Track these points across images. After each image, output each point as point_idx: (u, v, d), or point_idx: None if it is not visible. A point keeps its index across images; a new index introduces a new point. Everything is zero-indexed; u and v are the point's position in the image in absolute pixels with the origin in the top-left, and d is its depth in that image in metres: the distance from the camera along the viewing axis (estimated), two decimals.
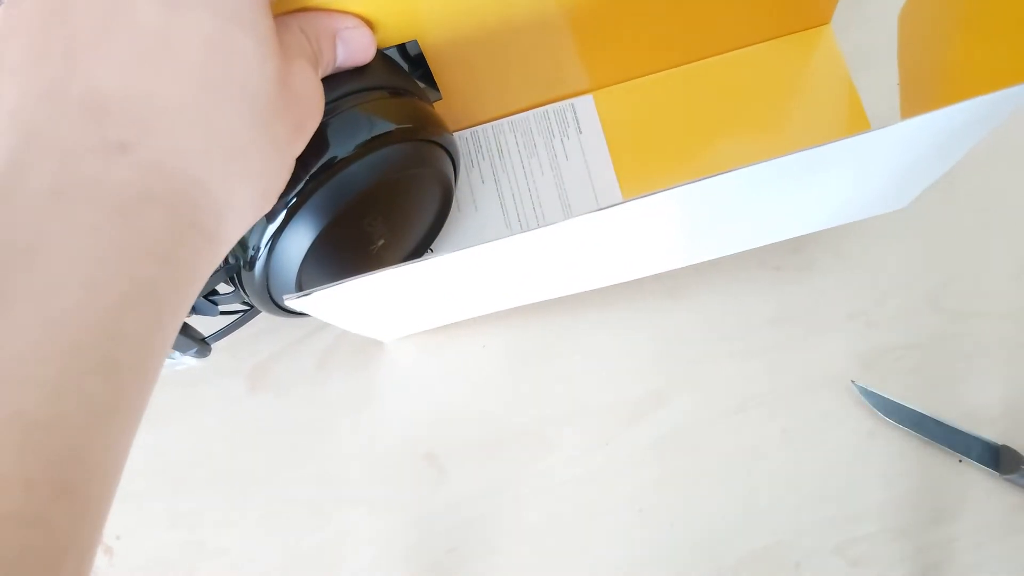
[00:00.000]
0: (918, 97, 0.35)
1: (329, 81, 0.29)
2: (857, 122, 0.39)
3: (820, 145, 0.25)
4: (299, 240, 0.30)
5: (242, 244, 0.29)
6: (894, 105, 0.38)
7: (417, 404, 0.38)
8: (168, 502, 0.37)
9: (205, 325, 0.33)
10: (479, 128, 0.40)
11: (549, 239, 0.28)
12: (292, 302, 0.28)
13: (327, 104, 0.29)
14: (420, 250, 0.37)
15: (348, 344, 0.39)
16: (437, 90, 0.37)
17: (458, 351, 0.38)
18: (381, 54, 0.32)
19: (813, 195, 0.32)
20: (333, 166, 0.29)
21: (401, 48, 0.33)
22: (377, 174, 0.30)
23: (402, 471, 0.37)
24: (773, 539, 0.36)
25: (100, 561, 0.36)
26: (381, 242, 0.34)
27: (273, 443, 0.37)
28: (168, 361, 0.32)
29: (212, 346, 0.33)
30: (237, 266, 0.30)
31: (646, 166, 0.39)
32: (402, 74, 0.32)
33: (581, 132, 0.40)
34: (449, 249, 0.38)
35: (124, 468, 0.20)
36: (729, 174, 0.25)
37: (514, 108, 0.40)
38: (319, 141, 0.28)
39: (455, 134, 0.35)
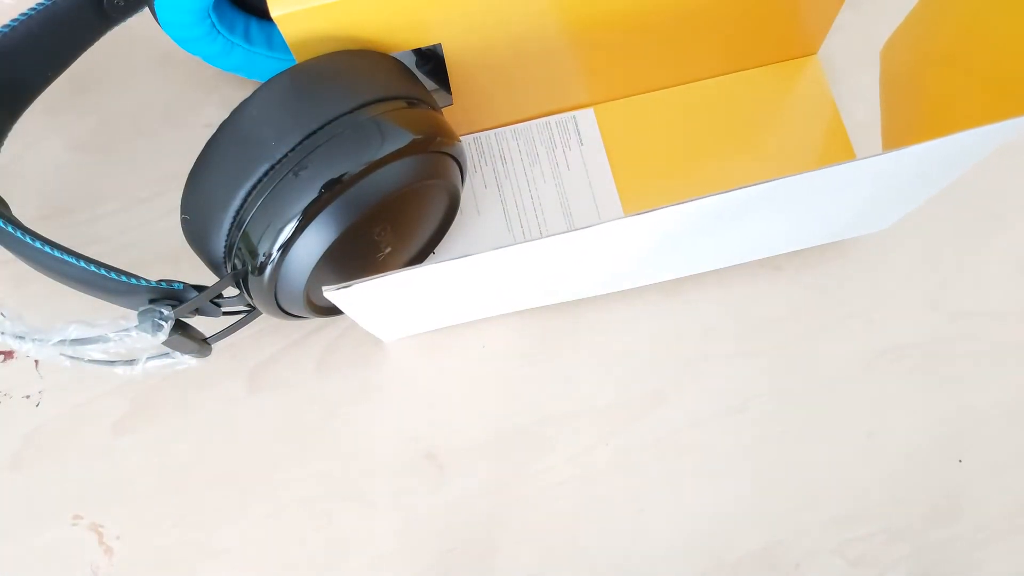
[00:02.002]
0: (899, 130, 0.36)
1: (346, 89, 0.30)
2: (841, 149, 0.40)
3: (809, 171, 0.26)
4: (311, 249, 0.30)
5: (251, 250, 0.29)
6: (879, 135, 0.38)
7: (417, 404, 0.38)
8: (168, 502, 0.37)
9: (206, 325, 0.33)
10: (482, 134, 0.41)
11: (564, 246, 0.28)
12: (330, 294, 0.28)
13: (346, 114, 0.29)
14: (423, 254, 0.37)
15: (348, 344, 0.39)
16: (448, 92, 0.37)
17: (458, 351, 0.38)
18: (397, 61, 0.32)
19: (797, 217, 0.33)
20: (350, 177, 0.29)
21: None
22: (392, 186, 0.30)
23: (402, 471, 0.37)
24: (773, 539, 0.36)
25: (100, 561, 0.36)
26: (388, 250, 0.34)
27: (273, 443, 0.37)
28: (168, 360, 0.32)
29: (212, 346, 0.33)
30: (244, 271, 0.30)
31: (645, 178, 0.40)
32: (416, 81, 0.32)
33: (582, 144, 0.40)
34: (451, 253, 0.38)
35: None
36: (716, 196, 0.26)
37: (518, 117, 0.41)
38: (336, 151, 0.29)
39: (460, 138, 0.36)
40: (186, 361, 0.32)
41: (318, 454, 0.37)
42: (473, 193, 0.40)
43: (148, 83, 0.42)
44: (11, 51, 0.33)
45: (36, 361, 0.38)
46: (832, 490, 0.36)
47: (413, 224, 0.35)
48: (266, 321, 0.36)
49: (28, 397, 0.38)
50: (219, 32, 0.36)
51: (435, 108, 0.33)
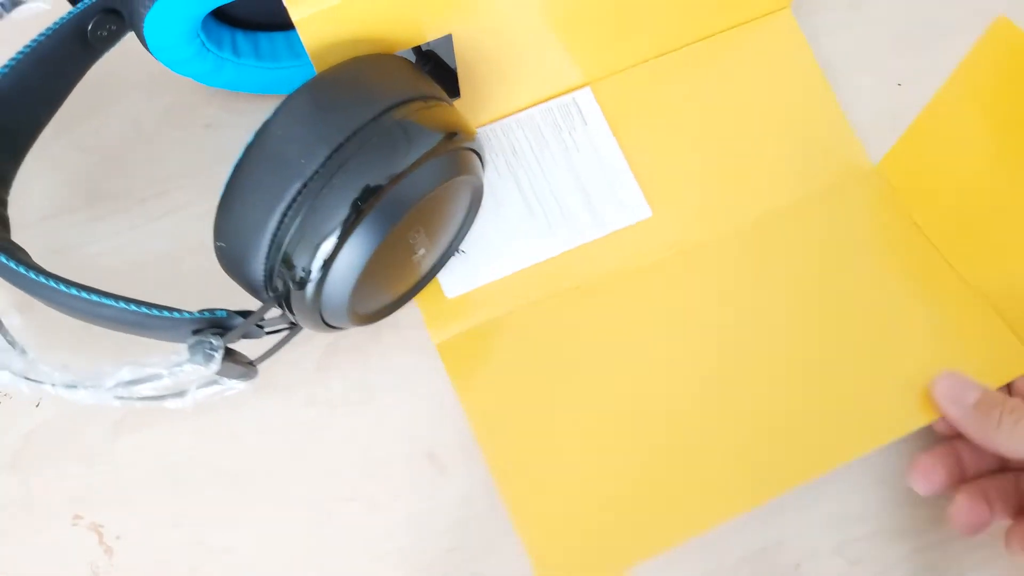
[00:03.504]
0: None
1: (366, 96, 0.29)
2: (821, 93, 0.42)
3: None
4: (354, 261, 0.29)
5: (293, 270, 0.29)
6: (883, 108, 0.38)
7: (417, 403, 0.38)
8: (168, 502, 0.37)
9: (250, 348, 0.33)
10: (488, 127, 0.41)
11: None
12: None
13: (370, 122, 0.29)
14: (451, 250, 0.37)
15: (348, 344, 0.39)
16: (446, 92, 0.37)
17: None
18: (406, 61, 0.32)
19: None
20: (386, 184, 0.28)
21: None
22: (427, 187, 0.30)
23: (402, 470, 0.37)
24: (773, 539, 0.36)
25: (100, 561, 0.36)
26: (422, 251, 0.34)
27: (273, 443, 0.37)
28: (217, 388, 0.32)
29: (258, 368, 0.33)
30: (287, 291, 0.30)
31: (651, 148, 0.41)
32: (426, 78, 0.32)
33: (586, 123, 0.41)
34: (478, 247, 0.39)
35: None
36: None
37: (518, 105, 0.41)
38: (368, 160, 0.28)
39: None
40: (235, 386, 0.32)
41: (318, 454, 0.37)
42: (490, 186, 0.40)
43: (148, 83, 0.42)
44: (4, 99, 0.33)
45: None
46: (832, 490, 0.36)
47: (443, 221, 0.34)
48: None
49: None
50: (208, 49, 0.36)
51: (450, 103, 0.32)
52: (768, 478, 0.35)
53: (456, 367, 0.37)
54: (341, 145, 0.28)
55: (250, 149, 0.29)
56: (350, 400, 0.38)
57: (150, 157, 0.41)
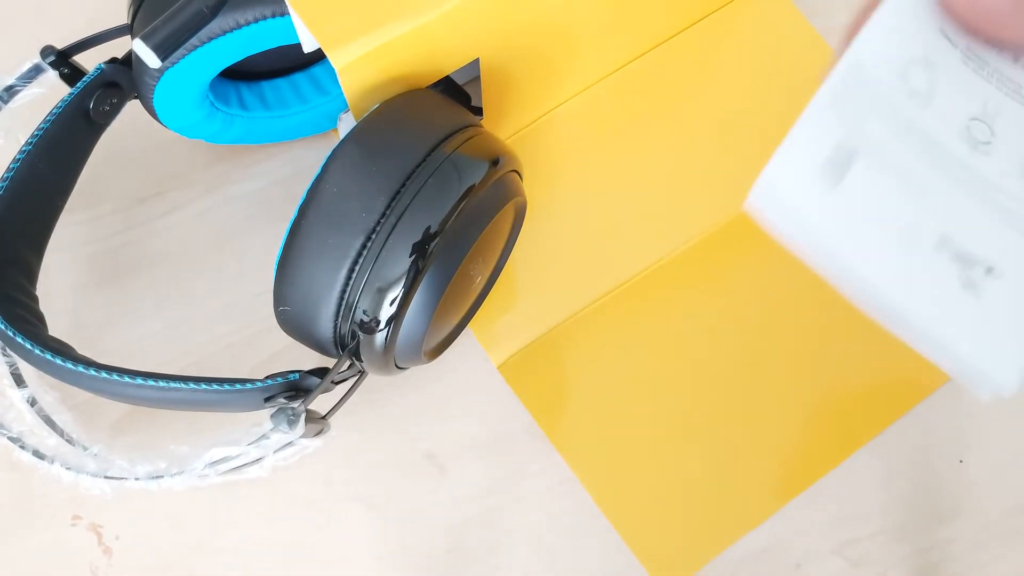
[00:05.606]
0: None
1: (411, 138, 0.29)
2: (817, 47, 0.42)
3: None
4: (426, 304, 0.29)
5: (365, 325, 0.28)
6: None
7: (417, 404, 0.38)
8: (167, 502, 0.37)
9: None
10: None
11: None
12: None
13: (421, 162, 0.28)
14: (498, 270, 0.37)
15: None
16: (474, 109, 0.37)
17: (458, 350, 0.38)
18: (436, 93, 0.32)
19: None
20: (448, 224, 0.28)
21: None
22: (486, 219, 0.30)
23: (402, 470, 0.37)
24: (773, 539, 0.36)
25: (100, 561, 0.36)
26: (479, 278, 0.34)
27: None
28: (294, 449, 0.32)
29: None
30: (357, 345, 0.29)
31: (672, 142, 0.41)
32: (456, 106, 0.32)
33: None
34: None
35: None
36: None
37: (534, 117, 0.41)
38: (429, 201, 0.28)
39: None
40: (310, 445, 0.32)
41: (317, 454, 0.37)
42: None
43: None
44: (20, 196, 0.32)
45: None
46: (832, 490, 0.36)
47: (495, 245, 0.34)
48: (265, 322, 0.36)
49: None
50: (217, 109, 0.36)
51: (483, 127, 0.32)
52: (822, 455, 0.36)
53: (521, 386, 0.37)
54: (398, 192, 0.28)
55: (305, 208, 0.28)
56: (350, 399, 0.38)
57: (150, 157, 0.41)
